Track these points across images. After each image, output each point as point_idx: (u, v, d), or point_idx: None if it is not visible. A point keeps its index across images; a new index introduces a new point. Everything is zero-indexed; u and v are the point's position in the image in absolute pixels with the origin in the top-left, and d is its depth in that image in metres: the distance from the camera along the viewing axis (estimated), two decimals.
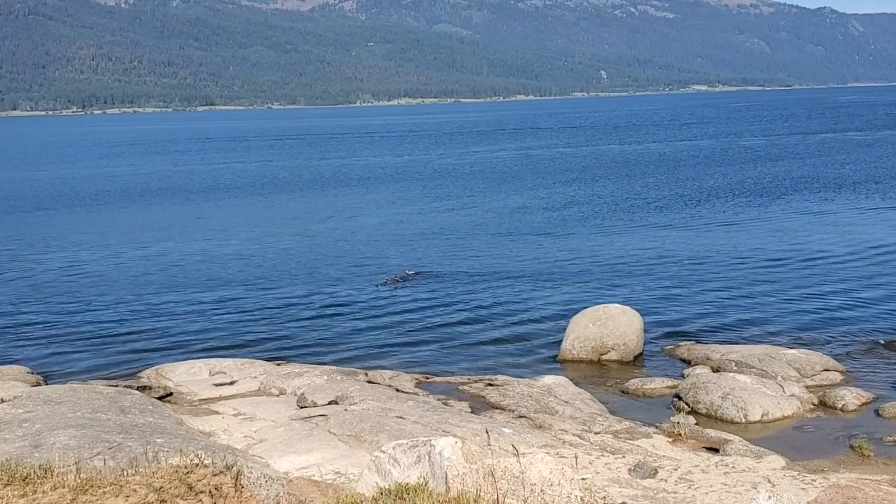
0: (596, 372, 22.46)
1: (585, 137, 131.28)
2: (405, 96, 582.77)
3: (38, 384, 21.22)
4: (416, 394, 19.54)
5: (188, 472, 7.68)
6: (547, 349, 24.22)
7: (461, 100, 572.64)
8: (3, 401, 18.35)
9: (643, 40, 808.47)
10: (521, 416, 17.97)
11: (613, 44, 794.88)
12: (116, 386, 20.29)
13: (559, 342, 24.01)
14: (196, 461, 7.97)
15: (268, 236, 45.49)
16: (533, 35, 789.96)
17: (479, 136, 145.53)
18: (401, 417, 17.02)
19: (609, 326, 23.24)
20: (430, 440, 9.76)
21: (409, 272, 34.66)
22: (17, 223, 52.81)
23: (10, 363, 23.00)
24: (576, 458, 8.99)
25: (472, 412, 18.22)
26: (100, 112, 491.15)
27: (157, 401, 19.43)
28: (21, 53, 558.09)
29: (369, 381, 20.64)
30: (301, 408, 18.76)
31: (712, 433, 17.56)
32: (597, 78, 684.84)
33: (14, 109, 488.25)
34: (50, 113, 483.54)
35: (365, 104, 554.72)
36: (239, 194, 65.92)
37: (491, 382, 20.24)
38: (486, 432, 9.57)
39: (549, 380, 20.34)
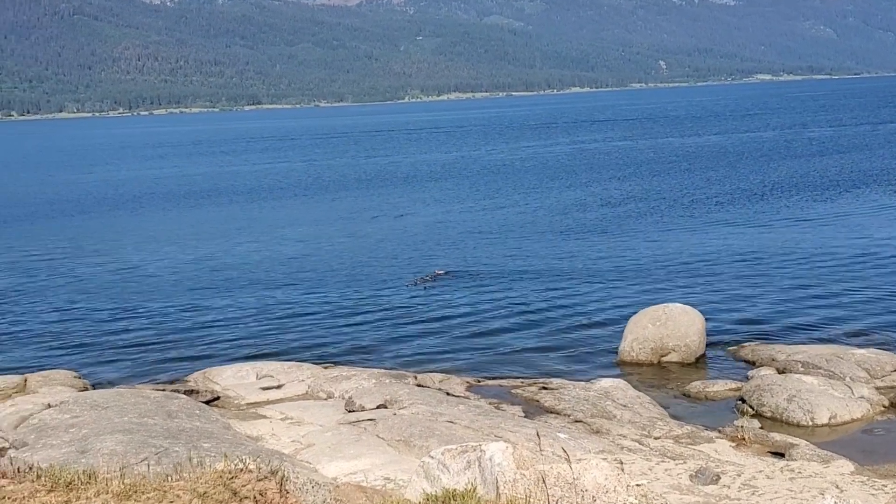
0: (656, 374, 22.26)
1: (643, 130, 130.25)
2: (455, 91, 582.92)
3: (85, 388, 21.61)
4: (466, 397, 19.54)
5: (232, 478, 7.76)
6: (603, 351, 24.06)
7: (513, 94, 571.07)
8: (49, 406, 18.73)
9: (704, 28, 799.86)
10: (577, 421, 17.88)
11: (673, 32, 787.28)
12: (163, 390, 20.60)
13: (616, 344, 23.85)
14: (241, 466, 8.05)
15: (311, 237, 45.81)
16: (588, 25, 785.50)
17: (532, 131, 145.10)
18: (451, 422, 17.03)
19: (669, 327, 23.02)
20: (479, 445, 9.76)
21: (440, 272, 34.74)
22: (63, 227, 53.81)
23: (57, 367, 23.43)
24: (621, 464, 8.93)
25: (525, 417, 18.17)
26: (146, 113, 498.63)
27: (204, 405, 19.68)
28: (67, 54, 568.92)
29: (419, 385, 20.70)
30: (349, 412, 18.87)
31: (777, 437, 17.31)
32: (655, 68, 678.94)
33: (60, 111, 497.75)
34: (96, 115, 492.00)
35: (414, 100, 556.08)
36: (282, 195, 66.44)
37: (545, 386, 20.17)
38: (538, 436, 9.53)
39: (606, 383, 20.21)
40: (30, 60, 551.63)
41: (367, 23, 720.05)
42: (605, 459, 9.02)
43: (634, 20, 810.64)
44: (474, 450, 9.71)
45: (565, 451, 8.89)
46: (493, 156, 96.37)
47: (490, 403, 19.00)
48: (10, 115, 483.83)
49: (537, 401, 19.30)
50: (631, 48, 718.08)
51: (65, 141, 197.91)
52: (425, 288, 32.62)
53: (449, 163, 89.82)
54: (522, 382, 20.90)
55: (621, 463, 8.97)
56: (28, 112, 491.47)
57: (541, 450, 9.20)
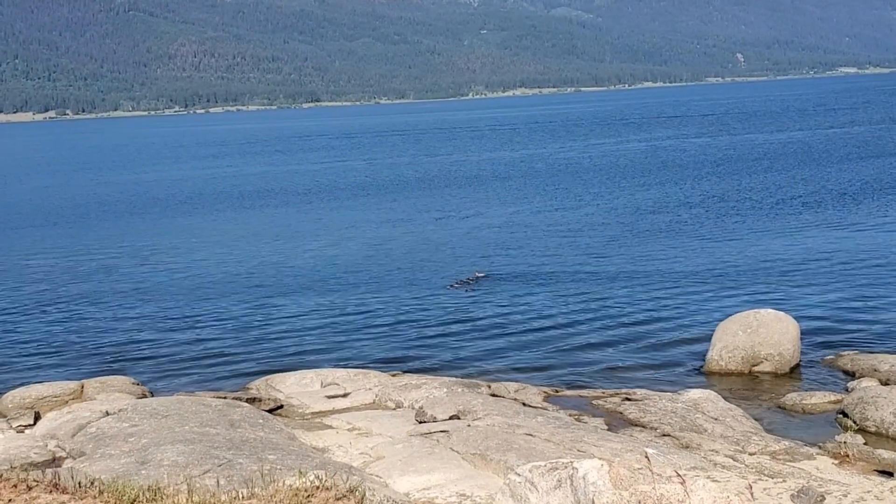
0: (747, 385, 21.58)
1: (720, 127, 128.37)
2: (521, 87, 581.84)
3: (144, 395, 21.60)
4: (544, 408, 19.10)
5: (309, 496, 7.45)
6: (690, 359, 23.44)
7: (582, 89, 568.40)
8: (107, 413, 18.69)
9: (784, 19, 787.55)
10: (664, 435, 17.34)
11: (751, 24, 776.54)
12: (225, 398, 20.46)
13: (703, 352, 23.20)
14: (317, 483, 7.73)
15: (369, 239, 45.71)
16: (661, 17, 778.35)
17: (602, 128, 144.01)
18: (530, 435, 16.60)
19: (761, 334, 22.31)
20: (571, 462, 9.34)
21: (481, 273, 34.63)
22: (117, 229, 54.45)
23: (115, 373, 23.47)
24: (750, 488, 8.43)
25: (608, 430, 17.67)
26: (202, 111, 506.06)
27: (267, 414, 19.51)
28: (122, 52, 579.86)
29: (493, 395, 20.30)
30: (420, 422, 18.54)
31: (885, 454, 16.59)
32: (732, 62, 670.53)
33: (116, 110, 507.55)
34: (152, 113, 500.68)
35: (478, 96, 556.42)
36: (339, 196, 66.52)
37: (629, 397, 19.64)
38: (647, 458, 9.07)
39: (695, 394, 19.62)
40: (84, 58, 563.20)
41: (430, 16, 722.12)
42: (715, 480, 8.53)
43: (710, 11, 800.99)
44: (565, 467, 9.29)
45: (676, 472, 8.40)
46: (560, 154, 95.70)
47: (570, 415, 18.54)
48: (66, 114, 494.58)
49: (620, 413, 18.79)
50: (706, 40, 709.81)
51: (119, 140, 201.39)
52: (467, 290, 32.47)
53: (514, 161, 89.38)
54: (604, 393, 20.39)
55: (750, 488, 8.47)
56: (83, 111, 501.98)
57: (648, 467, 8.73)
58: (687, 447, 16.79)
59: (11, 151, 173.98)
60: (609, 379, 22.13)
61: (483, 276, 34.43)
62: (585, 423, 18.04)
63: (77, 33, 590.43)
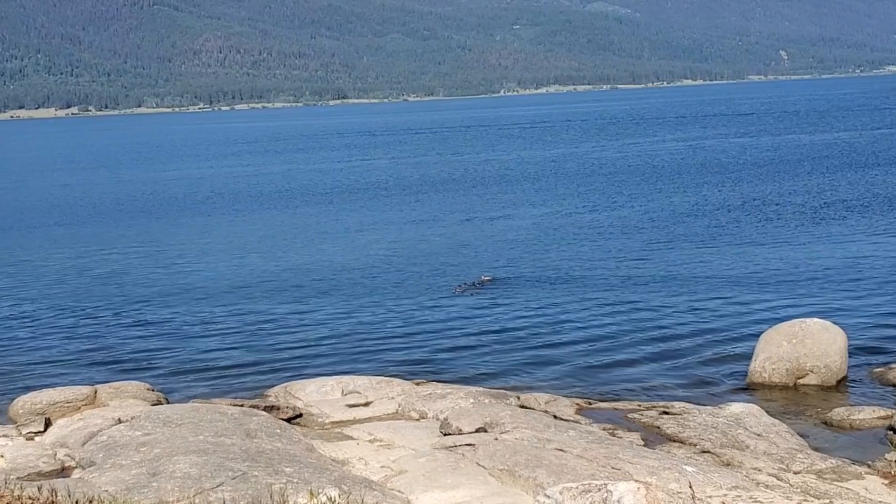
0: (792, 399, 21.06)
1: (762, 126, 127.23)
2: (555, 84, 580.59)
3: (159, 402, 21.38)
4: (577, 422, 18.69)
5: None
6: (731, 371, 22.92)
7: (618, 86, 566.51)
8: (120, 421, 18.49)
9: (829, 16, 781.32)
10: (704, 452, 16.88)
11: (795, 20, 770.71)
12: (242, 405, 20.21)
13: (745, 363, 22.69)
14: None
15: (392, 240, 45.43)
16: (701, 12, 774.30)
17: (638, 127, 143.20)
18: (561, 450, 16.21)
19: (807, 345, 21.78)
20: (605, 484, 8.96)
21: (487, 278, 34.48)
22: (134, 228, 54.54)
23: (130, 378, 23.27)
24: None
25: (644, 445, 17.24)
26: (227, 108, 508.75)
27: (285, 423, 19.23)
28: (146, 46, 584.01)
29: (522, 406, 19.92)
30: (445, 435, 18.19)
31: None
32: (775, 59, 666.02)
33: (139, 106, 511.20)
34: (176, 109, 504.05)
35: (510, 94, 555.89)
36: (362, 196, 66.26)
37: (666, 410, 19.19)
38: (691, 488, 8.67)
39: (736, 408, 19.14)
40: (108, 53, 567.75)
41: (461, 11, 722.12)
42: (758, 502, 8.11)
43: (752, 6, 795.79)
44: (599, 489, 8.92)
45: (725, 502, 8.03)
46: (594, 154, 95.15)
47: (604, 429, 18.12)
48: (88, 111, 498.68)
49: (657, 427, 18.35)
50: (748, 37, 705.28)
51: (141, 137, 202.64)
52: (490, 295, 32.25)
53: (545, 161, 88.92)
54: (640, 406, 19.95)
55: None
56: (106, 107, 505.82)
57: (692, 494, 8.33)
58: (728, 465, 16.34)
59: (32, 148, 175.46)
60: (644, 391, 21.67)
61: (489, 280, 34.26)
62: (620, 437, 17.63)
63: (100, 28, 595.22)
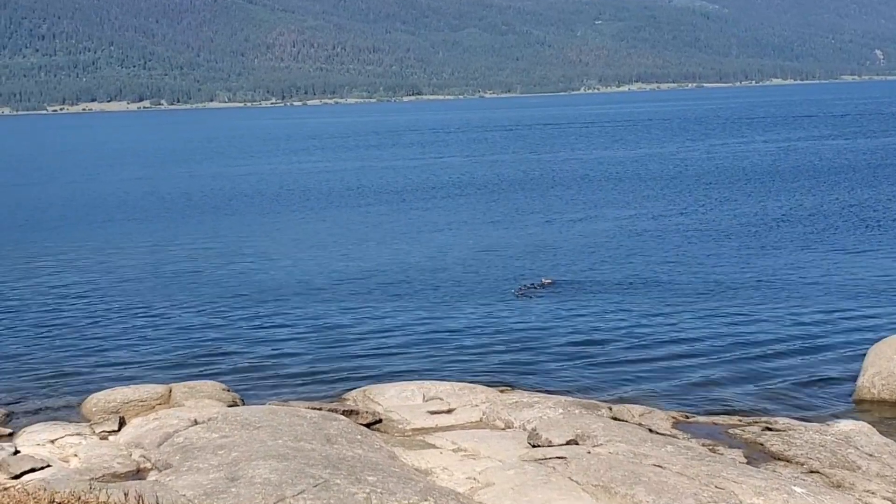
0: None
1: (857, 128, 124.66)
2: (637, 81, 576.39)
3: (235, 403, 21.32)
4: (674, 436, 18.17)
5: None
6: (837, 386, 22.16)
7: (705, 85, 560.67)
8: (196, 422, 18.43)
9: None
10: (812, 472, 16.26)
11: (892, 18, 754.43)
12: (320, 409, 20.05)
13: (853, 378, 21.95)
14: None
15: (469, 241, 45.05)
16: (793, 9, 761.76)
17: (726, 127, 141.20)
18: (659, 466, 15.72)
19: None
20: None
21: (548, 280, 34.43)
22: (209, 225, 54.97)
23: (205, 378, 23.27)
24: None
25: (748, 463, 16.65)
26: (299, 103, 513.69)
27: (365, 429, 19.03)
28: (219, 40, 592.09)
29: (614, 418, 19.44)
30: (533, 446, 17.81)
31: None
32: (871, 58, 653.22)
33: (211, 101, 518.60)
34: (248, 104, 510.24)
35: (590, 91, 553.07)
36: (436, 195, 66.00)
37: (769, 426, 18.57)
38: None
39: (845, 426, 18.45)
40: (181, 46, 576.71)
41: (540, 5, 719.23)
42: None
43: (847, 3, 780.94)
44: None
45: None
46: (679, 155, 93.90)
47: (703, 445, 17.57)
48: (160, 104, 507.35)
49: (761, 444, 17.74)
50: (842, 35, 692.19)
51: (214, 132, 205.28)
52: (530, 297, 32.28)
53: (627, 161, 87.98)
54: (741, 421, 19.36)
55: None
56: (178, 101, 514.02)
57: None
58: (839, 486, 15.71)
59: (104, 141, 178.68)
60: (744, 405, 21.05)
61: (549, 283, 34.17)
62: (721, 454, 17.07)
63: (174, 20, 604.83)
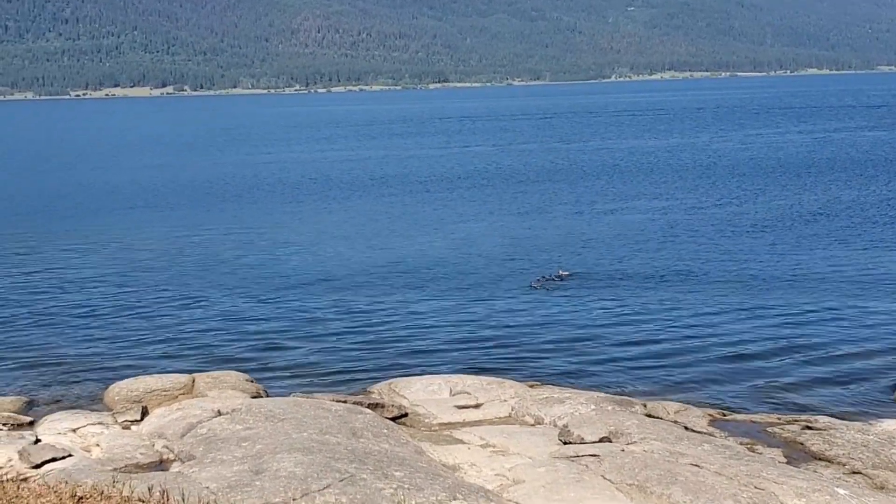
0: None
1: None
2: (670, 70, 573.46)
3: (258, 394, 21.23)
4: (711, 434, 17.93)
5: None
6: (878, 383, 21.82)
7: (738, 74, 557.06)
8: (220, 413, 18.34)
9: None
10: (854, 472, 15.99)
11: None
12: (345, 402, 19.93)
13: (894, 375, 21.61)
14: None
15: (494, 232, 44.89)
16: None
17: (760, 117, 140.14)
18: (696, 465, 15.49)
19: None
20: None
21: (565, 273, 34.32)
22: (231, 213, 55.02)
23: (228, 368, 23.19)
24: None
25: (788, 463, 16.40)
26: (324, 90, 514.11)
27: (391, 423, 18.89)
28: (243, 25, 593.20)
29: (648, 415, 19.22)
30: (565, 443, 17.61)
31: None
32: None
33: (235, 87, 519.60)
34: (272, 91, 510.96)
35: (621, 79, 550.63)
36: (461, 185, 65.66)
37: (809, 425, 18.29)
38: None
39: (889, 425, 18.18)
40: (204, 31, 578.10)
41: None
42: None
43: None
44: None
45: None
46: (712, 145, 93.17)
47: (741, 444, 17.31)
48: (183, 90, 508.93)
49: (801, 443, 17.47)
50: (879, 24, 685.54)
51: (237, 119, 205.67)
52: (547, 289, 32.25)
53: (659, 151, 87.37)
54: (779, 419, 19.08)
55: None
56: (201, 87, 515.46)
57: None
58: (882, 488, 15.45)
59: (128, 127, 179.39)
60: (782, 403, 20.78)
61: (567, 275, 34.10)
62: (760, 453, 16.82)
63: (198, 5, 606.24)
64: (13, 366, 24.61)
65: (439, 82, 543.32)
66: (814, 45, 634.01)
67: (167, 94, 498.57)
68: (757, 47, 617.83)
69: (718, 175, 66.22)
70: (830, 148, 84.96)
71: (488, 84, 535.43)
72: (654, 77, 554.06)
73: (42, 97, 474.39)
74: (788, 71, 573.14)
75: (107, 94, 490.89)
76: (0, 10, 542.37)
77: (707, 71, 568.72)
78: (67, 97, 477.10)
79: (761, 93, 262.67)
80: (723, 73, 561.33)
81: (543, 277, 33.89)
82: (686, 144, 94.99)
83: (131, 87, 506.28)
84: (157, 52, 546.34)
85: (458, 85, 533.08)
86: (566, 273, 34.43)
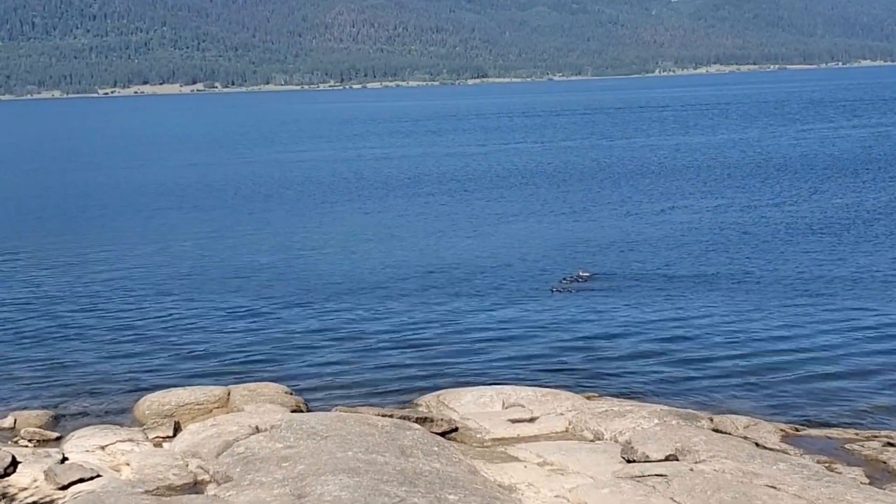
0: None
1: None
2: (716, 63, 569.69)
3: (298, 408, 20.67)
4: (784, 452, 17.16)
5: None
6: None
7: (788, 67, 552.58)
8: (258, 429, 17.81)
9: None
10: None
11: None
12: (391, 416, 19.31)
13: None
14: None
15: (539, 235, 44.12)
16: None
17: (811, 112, 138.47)
18: (773, 487, 14.75)
19: None
20: None
21: (585, 273, 34.16)
22: (264, 214, 54.66)
23: (266, 380, 22.61)
24: None
25: (870, 484, 15.62)
26: (359, 86, 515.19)
27: (442, 439, 18.26)
28: (276, 20, 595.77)
29: (716, 430, 18.47)
30: (628, 461, 16.91)
31: None
32: None
33: (267, 83, 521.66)
34: (305, 87, 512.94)
35: (665, 73, 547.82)
36: (501, 184, 64.91)
37: (892, 441, 17.51)
38: None
39: None
40: (236, 26, 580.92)
41: None
42: None
43: None
44: None
45: None
46: (761, 141, 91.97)
47: (819, 462, 16.54)
48: (214, 87, 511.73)
49: (883, 462, 16.70)
50: None
51: (270, 116, 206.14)
52: (570, 291, 32.12)
53: (706, 148, 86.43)
54: (857, 434, 18.31)
55: None
56: (232, 83, 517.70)
57: None
58: None
59: (157, 125, 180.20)
60: (859, 416, 19.98)
61: (587, 276, 33.86)
62: (840, 473, 16.03)
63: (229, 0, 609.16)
64: (39, 377, 24.18)
65: (478, 77, 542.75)
66: (867, 35, 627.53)
67: (197, 91, 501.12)
68: (807, 38, 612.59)
69: (770, 173, 65.09)
70: (888, 143, 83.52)
71: (528, 79, 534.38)
72: (699, 71, 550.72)
73: (69, 95, 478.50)
74: (840, 63, 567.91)
75: (136, 92, 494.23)
76: (26, 6, 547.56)
77: (755, 64, 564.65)
78: (95, 95, 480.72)
79: (813, 86, 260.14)
80: (771, 66, 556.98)
81: (568, 279, 33.66)
82: (735, 141, 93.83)
83: (161, 84, 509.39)
84: (187, 48, 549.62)
85: (497, 80, 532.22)
86: (587, 274, 34.19)
